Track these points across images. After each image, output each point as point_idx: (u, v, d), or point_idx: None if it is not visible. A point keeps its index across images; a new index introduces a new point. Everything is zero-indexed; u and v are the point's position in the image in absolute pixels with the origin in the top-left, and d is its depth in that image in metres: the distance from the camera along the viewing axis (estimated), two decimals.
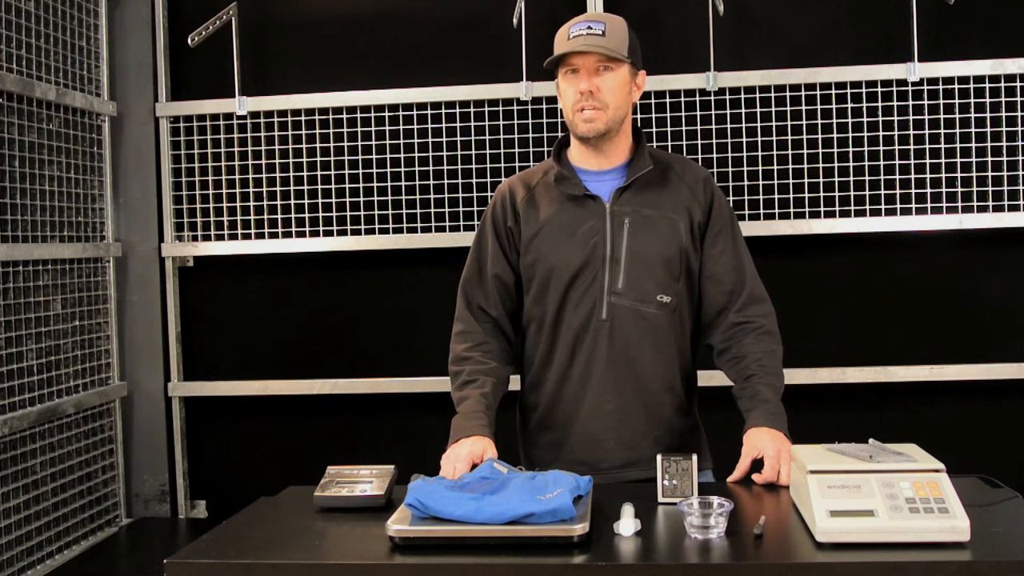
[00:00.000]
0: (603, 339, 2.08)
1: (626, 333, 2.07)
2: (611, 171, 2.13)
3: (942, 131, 3.23)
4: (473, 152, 3.40)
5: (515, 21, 3.26)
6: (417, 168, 3.44)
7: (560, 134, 3.33)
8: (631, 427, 2.09)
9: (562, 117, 3.32)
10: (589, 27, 2.04)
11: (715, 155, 3.29)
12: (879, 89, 3.25)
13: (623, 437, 2.09)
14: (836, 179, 3.26)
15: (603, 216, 2.09)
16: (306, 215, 3.46)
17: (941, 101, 3.23)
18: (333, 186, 3.45)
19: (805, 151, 3.26)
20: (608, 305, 2.07)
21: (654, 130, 3.29)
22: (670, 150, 3.21)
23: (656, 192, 2.11)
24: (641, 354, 2.08)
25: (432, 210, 3.43)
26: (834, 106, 3.26)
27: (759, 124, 3.28)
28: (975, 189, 3.22)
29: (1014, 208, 3.20)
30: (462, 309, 2.21)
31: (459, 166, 3.42)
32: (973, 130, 3.22)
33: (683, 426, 2.15)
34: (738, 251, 2.15)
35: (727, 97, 3.29)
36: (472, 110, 3.40)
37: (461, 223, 3.41)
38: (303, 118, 3.48)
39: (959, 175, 3.22)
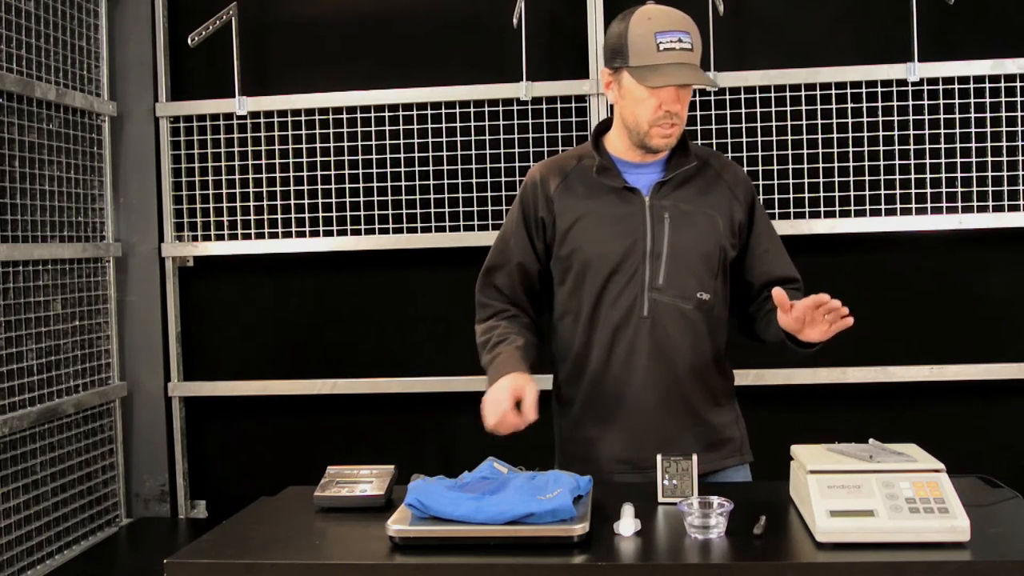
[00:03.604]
0: (644, 336, 2.04)
1: (667, 330, 2.04)
2: (652, 164, 2.09)
3: (942, 131, 3.23)
4: (473, 152, 3.40)
5: (515, 21, 3.26)
6: (417, 168, 3.44)
7: (560, 134, 3.35)
8: (672, 425, 2.06)
9: (563, 111, 3.33)
10: (680, 40, 1.95)
11: None
12: (879, 89, 3.25)
13: (664, 435, 2.05)
14: (836, 179, 3.26)
15: (643, 210, 2.06)
16: (306, 215, 3.46)
17: (941, 101, 3.23)
18: (333, 186, 3.45)
19: (805, 151, 3.26)
20: (650, 301, 2.04)
21: None
22: None
23: (695, 188, 2.09)
24: (681, 351, 2.05)
25: (432, 210, 3.43)
26: (834, 106, 3.26)
27: (759, 124, 3.28)
28: (975, 189, 3.22)
29: (1014, 208, 3.21)
30: (483, 293, 2.19)
31: (459, 166, 3.42)
32: (973, 130, 3.22)
33: (723, 421, 2.13)
34: (782, 248, 2.15)
35: (727, 97, 3.29)
36: (472, 110, 3.40)
37: (461, 223, 3.42)
38: (303, 118, 3.48)
39: (959, 175, 3.22)
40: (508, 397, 1.90)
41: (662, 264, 2.04)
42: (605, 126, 2.16)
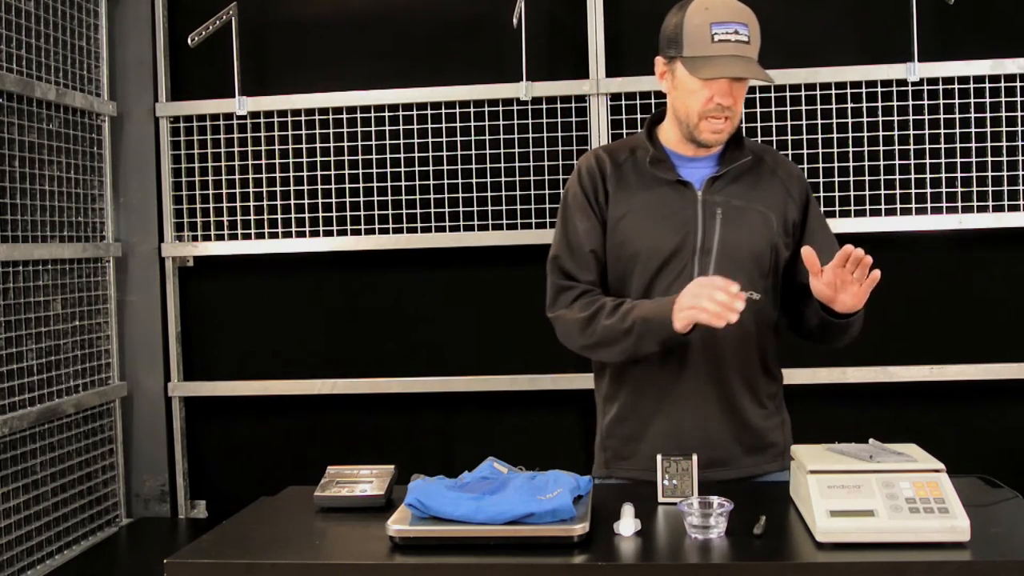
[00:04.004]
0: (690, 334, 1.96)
1: (713, 328, 1.96)
2: (705, 158, 2.06)
3: (942, 131, 3.23)
4: (473, 152, 3.40)
5: (515, 21, 3.26)
6: (417, 168, 3.44)
7: (560, 133, 3.36)
8: (715, 425, 2.02)
9: (563, 111, 3.33)
10: (736, 32, 1.90)
11: None
12: (879, 89, 3.25)
13: (706, 435, 2.02)
14: (836, 179, 3.26)
15: (695, 204, 2.01)
16: (306, 215, 3.46)
17: (941, 101, 3.23)
18: (333, 186, 3.45)
19: (805, 151, 3.26)
20: None
21: None
22: None
23: (749, 184, 2.05)
24: (727, 350, 2.00)
25: (432, 210, 3.43)
26: (834, 106, 3.26)
27: (759, 124, 3.28)
28: (975, 189, 3.22)
29: (1014, 208, 3.20)
30: (560, 283, 2.07)
31: (459, 166, 3.42)
32: (973, 130, 3.22)
33: (768, 425, 2.08)
34: (836, 248, 2.07)
35: None
36: (472, 110, 3.40)
37: (461, 223, 3.41)
38: (303, 118, 3.48)
39: (959, 175, 3.22)
40: (719, 288, 1.79)
41: (712, 261, 1.99)
42: (658, 117, 2.12)
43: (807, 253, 1.84)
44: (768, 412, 2.09)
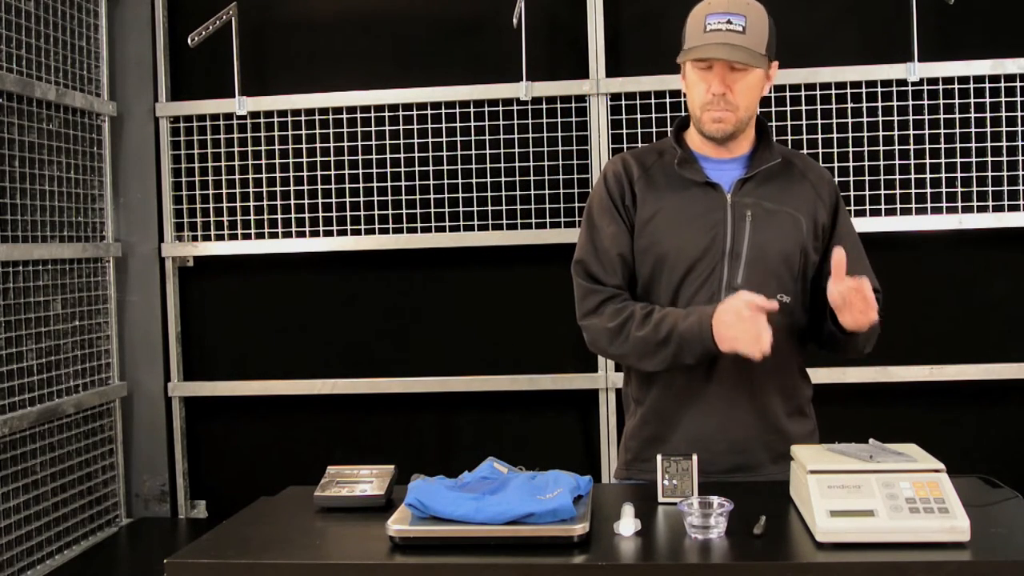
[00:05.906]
0: None
1: None
2: (732, 160, 2.04)
3: (942, 131, 3.23)
4: (473, 152, 3.40)
5: (515, 21, 3.26)
6: (417, 168, 3.44)
7: (560, 133, 3.36)
8: (743, 431, 2.00)
9: (563, 111, 3.33)
10: (729, 21, 1.91)
11: None
12: (879, 89, 3.25)
13: (734, 441, 2.00)
14: (836, 179, 3.26)
15: (724, 207, 1.99)
16: (306, 215, 3.46)
17: (941, 101, 3.23)
18: (333, 186, 3.45)
19: (805, 151, 3.26)
20: None
21: (654, 130, 3.29)
22: None
23: (778, 186, 2.03)
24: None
25: (432, 210, 3.43)
26: (834, 106, 3.26)
27: None
28: (975, 189, 3.22)
29: (1014, 208, 3.21)
30: (587, 285, 2.04)
31: (459, 166, 3.42)
32: (973, 130, 3.22)
33: (800, 432, 2.06)
34: (863, 257, 2.09)
35: None
36: (472, 110, 3.40)
37: (461, 223, 3.42)
38: (303, 118, 3.48)
39: (959, 175, 3.22)
40: (757, 311, 1.80)
41: (741, 264, 1.98)
42: (686, 122, 2.11)
43: (837, 255, 1.84)
44: (801, 419, 2.07)
